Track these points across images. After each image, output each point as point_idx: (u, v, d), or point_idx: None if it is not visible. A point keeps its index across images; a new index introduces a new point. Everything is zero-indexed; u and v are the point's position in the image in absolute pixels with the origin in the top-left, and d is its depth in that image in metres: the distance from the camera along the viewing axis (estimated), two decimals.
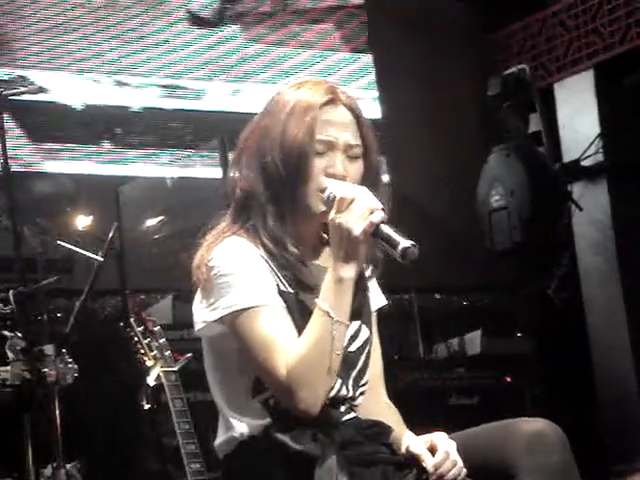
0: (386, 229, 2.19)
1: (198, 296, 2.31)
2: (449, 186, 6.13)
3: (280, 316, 2.23)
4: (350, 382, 2.31)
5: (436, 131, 6.29)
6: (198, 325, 2.31)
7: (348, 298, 2.22)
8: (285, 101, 2.32)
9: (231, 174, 2.37)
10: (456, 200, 6.07)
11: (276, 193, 2.29)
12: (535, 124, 6.15)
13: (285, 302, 2.25)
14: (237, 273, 2.23)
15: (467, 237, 6.02)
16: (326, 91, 2.32)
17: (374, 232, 2.19)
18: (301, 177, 2.27)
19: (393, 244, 2.17)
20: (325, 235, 2.37)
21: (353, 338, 2.30)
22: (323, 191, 2.28)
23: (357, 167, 2.32)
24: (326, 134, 2.29)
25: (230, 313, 2.23)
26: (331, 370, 2.19)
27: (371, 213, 2.18)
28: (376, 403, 2.43)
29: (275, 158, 2.28)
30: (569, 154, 6.05)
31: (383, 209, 2.20)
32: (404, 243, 2.16)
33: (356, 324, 2.31)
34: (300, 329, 2.22)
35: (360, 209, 2.18)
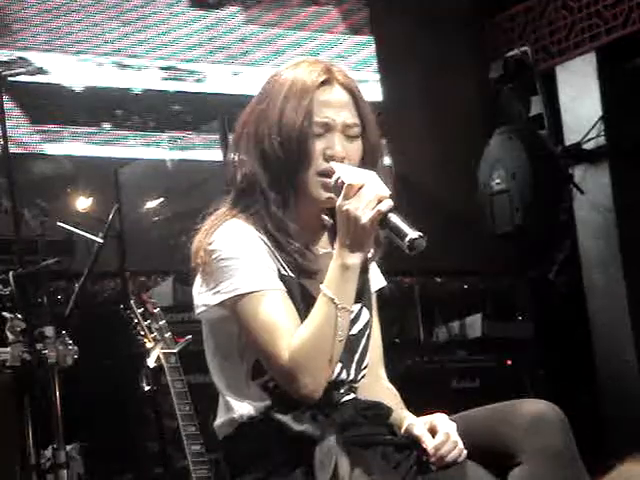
0: (394, 218, 2.16)
1: (198, 280, 2.29)
2: (450, 169, 6.12)
3: (282, 300, 2.22)
4: (352, 365, 2.31)
5: (437, 113, 6.28)
6: (199, 309, 2.30)
7: (353, 285, 2.21)
8: (281, 83, 2.31)
9: (230, 158, 2.35)
10: (457, 183, 6.06)
11: (277, 178, 2.27)
12: (537, 107, 6.14)
13: (286, 286, 2.24)
14: (239, 257, 2.22)
15: (468, 220, 6.01)
16: (322, 71, 2.31)
17: (382, 221, 2.17)
18: (301, 160, 2.26)
19: (401, 234, 2.15)
20: (326, 218, 2.36)
21: (354, 321, 2.29)
22: (322, 174, 2.26)
23: (356, 147, 2.30)
24: (323, 115, 2.27)
25: (232, 297, 2.22)
26: (333, 356, 2.18)
27: (379, 201, 2.16)
28: (376, 385, 2.42)
29: (274, 142, 2.27)
30: (571, 137, 6.04)
31: (391, 196, 2.18)
32: (412, 234, 2.13)
33: (357, 307, 2.30)
34: (301, 314, 2.21)
35: (368, 196, 2.16)
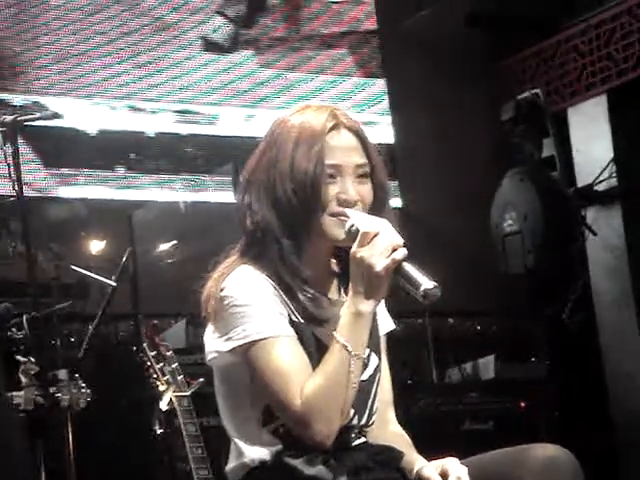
0: (409, 267, 2.16)
1: (210, 326, 2.30)
2: (463, 210, 6.13)
3: (294, 347, 2.22)
4: (365, 411, 2.31)
5: (449, 156, 6.30)
6: (210, 355, 2.30)
7: (366, 332, 2.20)
8: (289, 130, 2.31)
9: (239, 206, 2.35)
10: (470, 224, 6.06)
11: (290, 225, 2.28)
12: (548, 149, 6.15)
13: (297, 333, 2.24)
14: (250, 303, 2.22)
15: (481, 261, 6.01)
16: (329, 116, 2.32)
17: (396, 270, 2.16)
18: (315, 205, 2.26)
19: (415, 284, 2.14)
20: (335, 266, 2.37)
21: (364, 367, 2.28)
22: (335, 215, 2.27)
23: (368, 188, 2.31)
24: (334, 159, 2.29)
25: (244, 344, 2.22)
26: (346, 403, 2.18)
27: (394, 250, 2.16)
28: (385, 428, 2.42)
29: (287, 190, 2.27)
30: (583, 179, 6.05)
31: (405, 245, 2.18)
32: (427, 284, 2.13)
33: (366, 352, 2.29)
34: (313, 361, 2.21)
35: (383, 244, 2.16)
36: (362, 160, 2.31)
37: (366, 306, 2.19)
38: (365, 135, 2.35)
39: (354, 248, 2.19)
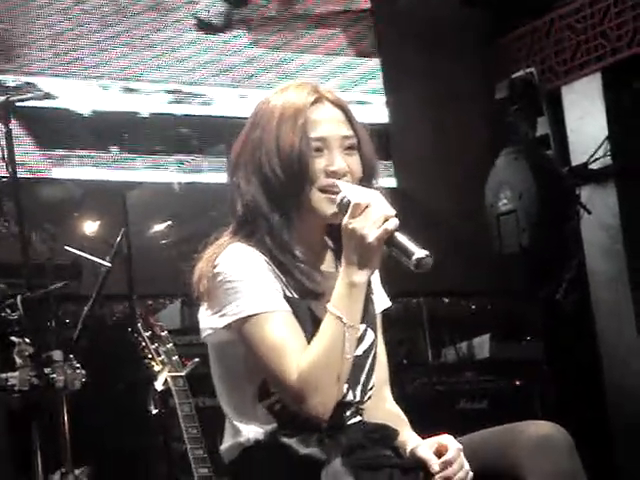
0: (401, 237, 2.17)
1: (204, 304, 2.30)
2: (457, 189, 6.13)
3: (289, 321, 2.22)
4: (358, 387, 2.31)
5: (444, 135, 6.29)
6: (205, 332, 2.30)
7: (360, 303, 2.21)
8: (272, 108, 2.32)
9: (229, 189, 2.35)
10: (464, 204, 6.07)
11: (279, 201, 2.28)
12: (543, 127, 6.14)
13: (292, 308, 2.24)
14: (243, 279, 2.22)
15: (475, 241, 6.02)
16: (311, 91, 2.33)
17: (388, 240, 2.17)
18: (303, 179, 2.26)
19: (407, 253, 2.15)
20: (329, 240, 2.37)
21: (359, 341, 2.28)
22: (325, 190, 2.27)
23: (356, 160, 2.32)
24: (319, 132, 2.29)
25: (238, 319, 2.22)
26: (342, 375, 2.19)
27: (386, 220, 2.17)
28: (382, 406, 2.42)
29: (274, 167, 2.27)
30: (577, 157, 6.04)
31: (397, 215, 2.19)
32: (419, 253, 2.14)
33: (362, 327, 2.30)
34: (308, 335, 2.21)
35: (375, 215, 2.17)
36: (348, 132, 2.31)
37: (360, 277, 2.19)
38: (349, 109, 2.35)
39: (346, 220, 2.19)
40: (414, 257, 2.14)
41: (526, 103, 6.11)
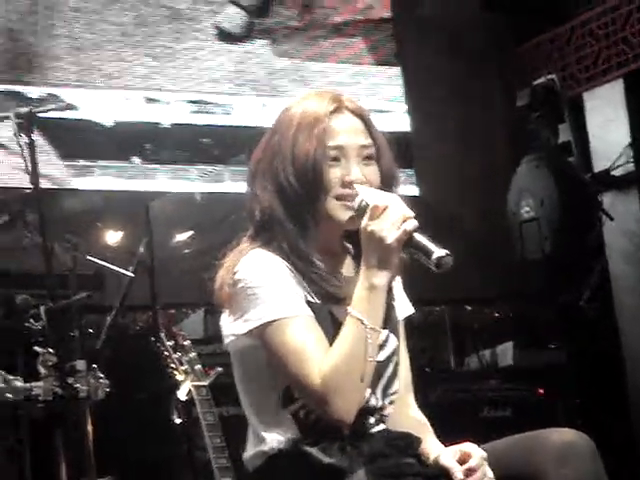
0: (420, 237, 2.17)
1: (226, 311, 2.30)
2: (479, 197, 6.12)
3: (310, 325, 2.22)
4: (379, 391, 2.30)
5: (465, 142, 6.29)
6: (227, 338, 2.31)
7: (381, 305, 2.21)
8: (291, 117, 2.32)
9: (247, 196, 2.36)
10: (486, 211, 6.06)
11: (295, 209, 2.28)
12: (565, 134, 6.13)
13: (314, 313, 2.24)
14: (264, 285, 2.23)
15: (498, 248, 6.00)
16: (331, 100, 2.32)
17: (407, 241, 2.17)
18: (318, 188, 2.26)
19: (427, 253, 2.15)
20: (349, 245, 2.37)
21: (381, 347, 2.28)
22: (341, 198, 2.27)
23: (373, 170, 2.31)
24: (337, 140, 2.29)
25: (260, 325, 2.22)
26: (365, 378, 2.18)
27: (404, 221, 2.17)
28: (405, 414, 2.42)
29: (289, 175, 2.28)
30: (599, 164, 6.02)
31: (416, 217, 2.19)
32: (438, 252, 2.14)
33: (384, 333, 2.30)
34: (330, 340, 2.21)
35: (394, 217, 2.17)
36: (366, 141, 2.31)
37: (380, 279, 2.19)
38: (369, 118, 2.34)
39: (364, 222, 2.19)
40: (434, 256, 2.14)
41: (548, 110, 6.09)
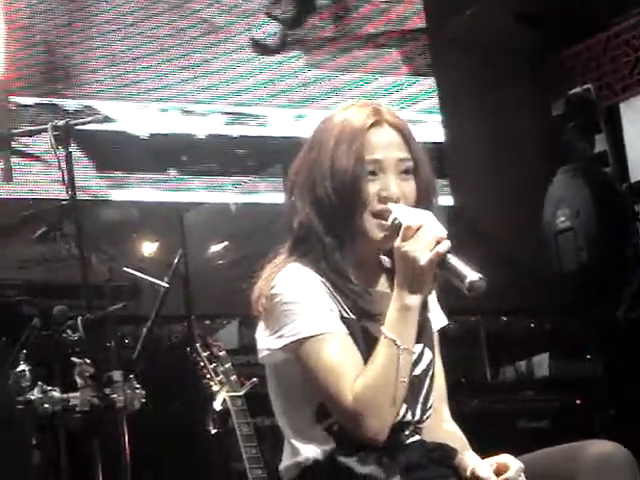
0: (453, 260, 2.16)
1: (261, 324, 2.31)
2: (514, 208, 6.10)
3: (345, 343, 2.22)
4: (417, 407, 2.30)
5: (500, 153, 6.27)
6: (262, 353, 2.31)
7: (413, 326, 2.21)
8: (330, 129, 2.32)
9: (286, 207, 2.37)
10: (521, 221, 6.03)
11: (332, 223, 2.28)
12: (600, 144, 6.10)
13: (348, 329, 2.24)
14: (300, 300, 2.23)
15: (533, 258, 5.98)
16: (371, 113, 2.31)
17: (440, 262, 2.16)
18: (355, 204, 2.26)
19: (460, 276, 2.14)
20: (385, 259, 2.37)
21: (417, 362, 2.29)
22: (378, 215, 2.27)
23: (411, 185, 2.30)
24: (375, 155, 2.28)
25: (295, 341, 2.23)
26: (397, 398, 2.18)
27: (438, 243, 2.16)
28: (440, 425, 2.42)
29: (327, 188, 2.27)
30: (635, 174, 5.99)
31: (449, 237, 2.18)
32: (472, 276, 2.13)
33: (419, 347, 2.30)
34: (364, 356, 2.21)
35: (427, 238, 2.16)
36: (404, 155, 2.30)
37: (412, 300, 2.19)
38: (409, 131, 2.33)
39: (398, 242, 2.19)
40: (467, 280, 2.13)
41: (583, 120, 6.07)
